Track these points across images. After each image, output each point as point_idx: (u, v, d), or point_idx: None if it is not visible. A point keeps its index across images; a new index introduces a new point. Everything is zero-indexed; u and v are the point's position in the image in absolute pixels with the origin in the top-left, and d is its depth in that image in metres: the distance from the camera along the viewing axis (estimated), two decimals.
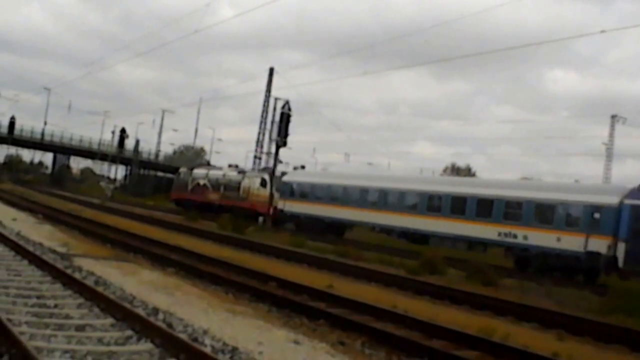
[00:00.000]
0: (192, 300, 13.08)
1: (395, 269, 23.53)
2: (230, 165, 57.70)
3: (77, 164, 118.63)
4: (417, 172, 61.20)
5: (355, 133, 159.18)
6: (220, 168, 57.84)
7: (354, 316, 12.86)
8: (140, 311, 10.54)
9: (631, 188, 27.62)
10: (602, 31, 24.55)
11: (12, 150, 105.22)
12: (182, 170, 60.89)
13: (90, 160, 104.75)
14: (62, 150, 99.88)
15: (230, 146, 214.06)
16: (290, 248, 27.29)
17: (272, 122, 56.98)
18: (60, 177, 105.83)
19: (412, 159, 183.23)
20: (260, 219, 41.74)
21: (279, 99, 59.80)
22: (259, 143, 70.23)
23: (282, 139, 39.23)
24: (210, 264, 19.52)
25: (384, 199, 37.26)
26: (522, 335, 12.58)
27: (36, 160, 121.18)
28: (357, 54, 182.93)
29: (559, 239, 27.88)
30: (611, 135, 73.02)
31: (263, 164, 65.54)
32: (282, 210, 43.66)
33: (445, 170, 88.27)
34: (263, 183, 47.39)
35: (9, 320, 8.91)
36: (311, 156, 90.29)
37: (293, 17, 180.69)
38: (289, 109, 38.99)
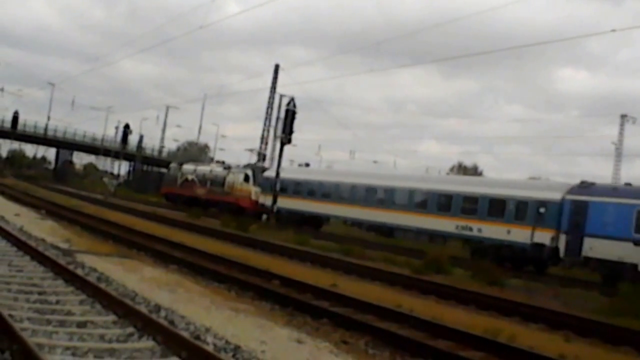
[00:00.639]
0: (194, 298, 12.99)
1: (400, 268, 23.42)
2: (217, 161, 60.21)
3: (80, 159, 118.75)
4: (423, 171, 60.59)
5: (361, 131, 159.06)
6: (207, 164, 60.09)
7: (357, 315, 12.77)
8: (143, 308, 10.45)
9: (572, 185, 29.76)
10: (613, 30, 24.33)
11: (15, 145, 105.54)
12: (172, 165, 62.57)
13: (94, 156, 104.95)
14: (65, 145, 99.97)
15: (235, 143, 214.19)
16: (294, 246, 27.17)
17: (277, 119, 57.05)
18: (63, 172, 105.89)
19: (419, 157, 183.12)
20: (264, 216, 41.70)
21: (284, 95, 60.04)
22: (264, 140, 70.23)
23: (286, 136, 39.14)
24: (213, 261, 19.42)
25: (355, 194, 39.66)
26: (528, 336, 12.47)
27: (39, 156, 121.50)
28: (364, 52, 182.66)
29: (509, 232, 30.14)
30: (620, 134, 72.81)
31: (263, 161, 65.74)
32: (263, 205, 45.20)
33: (451, 169, 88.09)
34: (246, 178, 49.77)
35: (11, 316, 8.83)
36: (316, 154, 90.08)
37: (299, 14, 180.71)
38: (294, 106, 38.88)
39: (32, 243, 17.38)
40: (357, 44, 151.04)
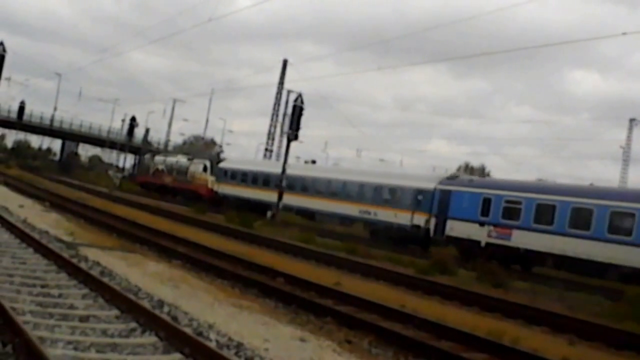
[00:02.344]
0: (198, 294, 12.95)
1: (404, 268, 23.36)
2: (185, 153, 66.71)
3: (86, 151, 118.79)
4: (431, 170, 61.04)
5: (369, 129, 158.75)
6: (175, 155, 65.89)
7: (361, 314, 12.72)
8: (146, 303, 10.41)
9: (443, 176, 36.18)
10: (624, 33, 24.14)
11: (21, 135, 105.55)
12: (147, 156, 68.97)
13: (99, 148, 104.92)
14: (71, 137, 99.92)
15: (242, 138, 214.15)
16: (298, 244, 27.13)
17: (284, 115, 57.14)
18: (68, 164, 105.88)
19: (427, 157, 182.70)
20: (269, 213, 41.75)
21: (292, 91, 60.14)
22: (270, 136, 70.14)
23: (293, 132, 39.10)
24: (217, 257, 19.40)
25: (288, 184, 43.12)
26: (532, 339, 12.40)
27: (44, 147, 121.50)
28: (374, 49, 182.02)
29: (396, 215, 36.06)
30: (629, 138, 72.51)
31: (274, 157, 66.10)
32: (217, 192, 52.03)
33: (458, 170, 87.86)
34: (205, 169, 55.91)
35: (13, 309, 8.79)
36: (322, 151, 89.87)
37: (311, 9, 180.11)
38: (302, 102, 38.81)
39: (36, 235, 17.35)
40: (368, 41, 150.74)
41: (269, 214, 42.31)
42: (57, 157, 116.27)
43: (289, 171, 44.26)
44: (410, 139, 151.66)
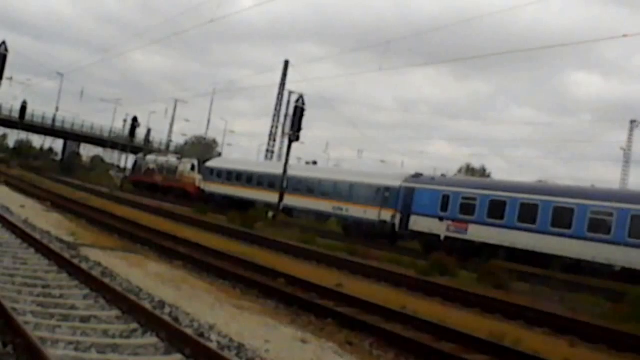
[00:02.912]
0: (199, 295, 12.94)
1: (406, 269, 23.35)
2: (175, 153, 70.66)
3: (87, 151, 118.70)
4: (431, 171, 61.66)
5: (370, 130, 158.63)
6: (165, 155, 68.82)
7: (362, 316, 12.71)
8: (147, 304, 10.41)
9: (408, 175, 38.25)
10: (625, 35, 24.15)
11: (23, 135, 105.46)
12: (139, 156, 70.90)
13: (101, 149, 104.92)
14: (73, 137, 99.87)
15: (244, 139, 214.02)
16: (300, 245, 27.12)
17: (286, 115, 57.26)
18: (69, 164, 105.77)
19: (428, 158, 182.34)
20: (270, 213, 41.76)
21: (293, 92, 60.29)
22: (272, 136, 70.12)
23: (294, 133, 39.16)
24: (218, 258, 19.39)
25: (269, 182, 47.08)
26: (533, 341, 12.41)
27: (46, 147, 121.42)
28: (376, 50, 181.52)
29: (365, 212, 38.11)
30: (629, 140, 72.39)
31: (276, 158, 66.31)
32: (203, 190, 54.11)
33: (459, 171, 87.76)
34: (192, 168, 58.43)
35: (14, 309, 8.80)
36: (324, 152, 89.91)
37: (312, 10, 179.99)
38: (303, 103, 38.87)
39: (37, 235, 17.35)
40: (370, 42, 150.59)
41: (269, 214, 42.36)
42: (59, 157, 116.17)
43: (270, 170, 48.82)
44: (412, 140, 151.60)
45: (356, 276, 20.36)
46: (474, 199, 31.98)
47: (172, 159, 63.45)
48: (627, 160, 71.72)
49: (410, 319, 12.73)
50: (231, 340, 9.07)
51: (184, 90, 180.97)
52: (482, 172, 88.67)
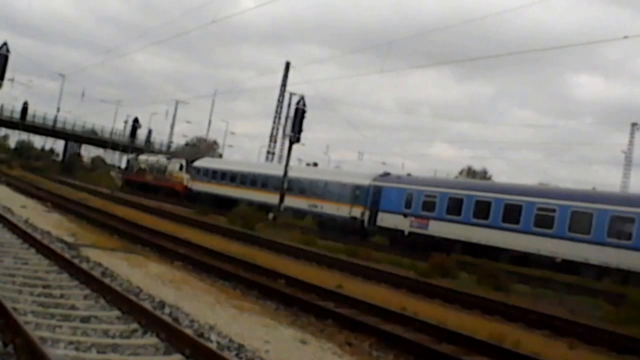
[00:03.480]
0: (199, 295, 12.95)
1: (406, 271, 23.37)
2: (167, 154, 73.04)
3: (88, 152, 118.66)
4: (431, 174, 62.03)
5: (371, 132, 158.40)
6: (156, 155, 70.90)
7: (362, 317, 12.72)
8: (147, 304, 10.41)
9: (377, 174, 40.58)
10: (625, 37, 24.16)
11: (24, 136, 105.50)
12: (131, 156, 72.83)
13: (102, 149, 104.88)
14: (74, 137, 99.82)
15: (245, 140, 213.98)
16: (300, 246, 27.14)
17: (287, 117, 57.37)
18: (70, 165, 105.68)
19: (429, 160, 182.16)
20: (271, 214, 41.83)
21: (294, 94, 60.37)
22: (273, 138, 70.16)
23: (295, 134, 39.19)
24: (219, 258, 19.40)
25: (251, 181, 50.22)
26: (532, 343, 12.40)
27: (47, 147, 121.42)
28: (378, 51, 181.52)
29: (338, 209, 40.64)
30: (630, 143, 72.41)
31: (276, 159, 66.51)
32: (190, 189, 56.71)
33: (460, 173, 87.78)
34: (181, 167, 60.69)
35: (14, 309, 8.80)
36: (324, 153, 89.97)
37: (314, 11, 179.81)
38: (304, 105, 38.93)
39: (38, 236, 17.36)
40: (372, 44, 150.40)
41: (270, 215, 42.43)
42: (60, 158, 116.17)
43: (252, 170, 52.04)
44: (413, 142, 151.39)
45: (356, 277, 20.38)
46: (435, 197, 34.20)
47: (162, 159, 65.83)
48: (628, 163, 71.82)
49: (410, 320, 12.73)
50: (231, 340, 9.08)
51: (185, 92, 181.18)
52: (483, 175, 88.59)
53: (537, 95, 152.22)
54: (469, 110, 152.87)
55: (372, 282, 19.92)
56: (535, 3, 35.50)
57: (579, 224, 27.49)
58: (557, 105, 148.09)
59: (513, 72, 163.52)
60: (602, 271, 26.10)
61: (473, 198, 32.16)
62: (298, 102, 39.92)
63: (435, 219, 33.71)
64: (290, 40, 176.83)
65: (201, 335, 9.03)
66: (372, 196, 38.20)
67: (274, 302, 13.79)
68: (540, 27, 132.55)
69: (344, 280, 18.08)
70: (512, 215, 29.90)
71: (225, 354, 8.17)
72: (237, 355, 8.43)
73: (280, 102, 68.96)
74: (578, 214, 27.70)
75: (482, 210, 31.31)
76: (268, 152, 70.18)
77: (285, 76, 68.06)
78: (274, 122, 70.14)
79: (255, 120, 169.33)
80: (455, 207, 32.86)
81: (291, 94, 64.65)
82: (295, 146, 41.51)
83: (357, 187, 39.75)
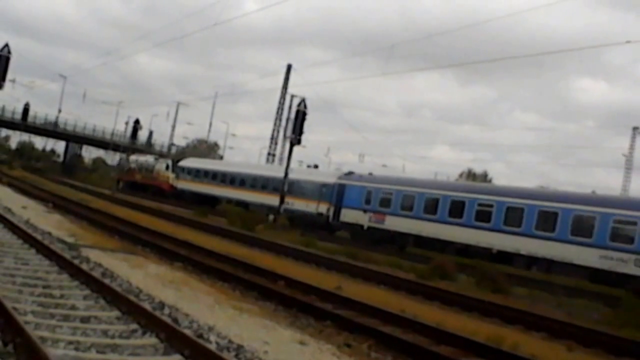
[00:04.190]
0: (198, 296, 12.98)
1: (405, 273, 23.40)
2: (160, 154, 75.67)
3: (89, 153, 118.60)
4: (431, 176, 62.45)
5: (372, 134, 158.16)
6: (145, 155, 72.54)
7: (361, 319, 12.74)
8: (146, 305, 10.44)
9: (342, 173, 43.67)
10: (627, 41, 24.16)
11: (25, 137, 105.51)
12: (122, 157, 75.33)
13: (103, 150, 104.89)
14: (75, 139, 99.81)
15: (246, 142, 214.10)
16: (300, 247, 27.17)
17: (288, 119, 57.40)
18: (71, 166, 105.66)
19: (430, 163, 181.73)
20: (271, 216, 41.89)
21: (295, 96, 60.39)
22: (274, 140, 70.19)
23: (296, 136, 39.23)
24: (218, 260, 19.44)
25: (230, 179, 52.32)
26: (531, 345, 12.44)
27: (48, 148, 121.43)
28: (379, 54, 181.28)
29: (307, 205, 42.97)
30: (631, 147, 72.33)
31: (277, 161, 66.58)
32: (176, 188, 59.06)
33: (461, 176, 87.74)
34: (167, 167, 62.82)
35: (15, 309, 8.83)
36: (325, 155, 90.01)
37: (316, 14, 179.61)
38: (305, 107, 38.98)
39: (38, 236, 17.40)
40: (374, 47, 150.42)
41: (270, 217, 42.52)
42: (61, 159, 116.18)
43: (230, 169, 54.64)
44: (414, 144, 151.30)
45: (356, 279, 20.40)
46: (391, 194, 36.86)
47: (150, 159, 68.20)
48: (628, 167, 71.80)
49: (409, 322, 12.77)
50: (230, 341, 9.11)
51: (187, 94, 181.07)
52: (484, 177, 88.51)
53: (540, 98, 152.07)
54: (470, 113, 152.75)
55: (371, 283, 19.94)
56: (537, 8, 35.60)
57: (513, 219, 29.84)
58: (559, 109, 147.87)
59: (515, 75, 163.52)
60: (531, 261, 28.93)
61: (424, 195, 34.81)
62: (299, 104, 39.99)
63: (390, 214, 36.34)
64: (293, 43, 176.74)
65: (200, 335, 9.06)
66: (336, 194, 40.74)
67: (273, 303, 13.81)
68: (544, 31, 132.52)
69: (343, 282, 18.11)
70: (456, 210, 32.47)
71: (225, 354, 8.20)
72: (236, 356, 8.46)
73: (281, 104, 68.99)
74: (512, 209, 30.08)
75: (431, 206, 34.00)
76: (269, 154, 70.19)
77: (287, 78, 68.10)
78: (275, 124, 70.19)
79: (257, 123, 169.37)
80: (408, 203, 35.43)
81: (292, 96, 64.70)
82: (296, 148, 41.79)
83: (324, 185, 42.27)
